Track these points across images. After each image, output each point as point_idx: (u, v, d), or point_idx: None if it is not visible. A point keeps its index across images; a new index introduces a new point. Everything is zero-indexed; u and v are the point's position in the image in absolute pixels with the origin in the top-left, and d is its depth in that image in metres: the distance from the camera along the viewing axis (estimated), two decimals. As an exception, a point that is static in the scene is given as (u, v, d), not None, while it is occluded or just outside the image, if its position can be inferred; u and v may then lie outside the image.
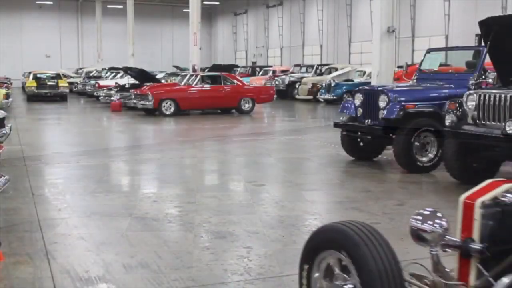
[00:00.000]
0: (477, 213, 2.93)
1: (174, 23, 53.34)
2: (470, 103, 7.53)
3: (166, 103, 19.57)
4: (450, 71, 10.48)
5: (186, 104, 19.82)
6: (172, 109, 19.60)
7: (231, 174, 9.37)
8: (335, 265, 3.01)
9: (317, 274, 3.11)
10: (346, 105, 10.09)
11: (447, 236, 3.01)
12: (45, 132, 15.88)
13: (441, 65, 11.31)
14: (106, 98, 24.46)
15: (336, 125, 10.23)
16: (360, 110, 9.69)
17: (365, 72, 25.00)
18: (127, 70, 24.43)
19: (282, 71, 33.69)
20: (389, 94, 9.13)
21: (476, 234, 2.95)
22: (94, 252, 4.96)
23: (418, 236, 3.01)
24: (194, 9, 25.84)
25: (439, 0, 28.89)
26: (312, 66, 31.29)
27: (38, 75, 29.35)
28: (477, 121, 7.45)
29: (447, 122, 7.75)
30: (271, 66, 37.70)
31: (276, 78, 30.95)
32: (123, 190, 8.05)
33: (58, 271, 4.47)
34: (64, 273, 4.43)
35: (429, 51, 10.78)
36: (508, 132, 6.83)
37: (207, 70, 25.81)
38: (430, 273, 3.10)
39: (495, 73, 8.39)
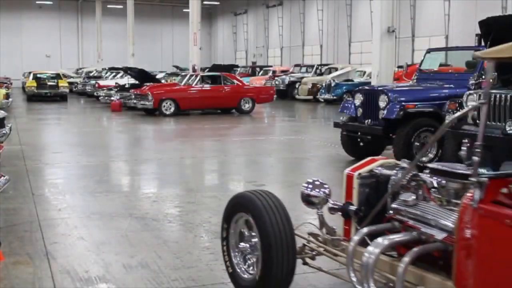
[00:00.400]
0: (355, 182, 3.75)
1: (174, 23, 53.36)
2: (470, 103, 7.54)
3: (166, 103, 19.58)
4: (450, 71, 10.49)
5: (186, 104, 19.82)
6: (172, 109, 19.61)
7: (231, 174, 9.37)
8: (245, 224, 3.82)
9: (233, 231, 3.92)
10: (346, 105, 10.10)
11: (330, 201, 3.83)
12: (45, 132, 15.88)
13: (441, 65, 11.31)
14: (106, 98, 24.47)
15: (336, 125, 10.24)
16: (360, 110, 9.70)
17: (365, 72, 25.01)
18: (127, 70, 24.43)
19: (282, 71, 33.70)
20: (389, 94, 9.14)
21: (354, 199, 3.76)
22: (94, 252, 4.95)
23: (307, 200, 3.87)
24: (194, 9, 25.86)
25: (439, 0, 28.90)
26: (312, 66, 31.31)
27: (38, 75, 29.35)
28: (477, 121, 7.46)
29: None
30: (271, 66, 37.72)
31: (276, 78, 30.97)
32: (123, 190, 8.05)
33: (58, 271, 4.47)
34: (64, 273, 4.43)
35: (429, 51, 10.79)
36: (508, 132, 6.83)
37: (207, 70, 25.82)
38: (320, 231, 3.87)
39: (495, 73, 8.39)
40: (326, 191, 3.84)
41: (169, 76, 29.52)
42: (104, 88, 25.96)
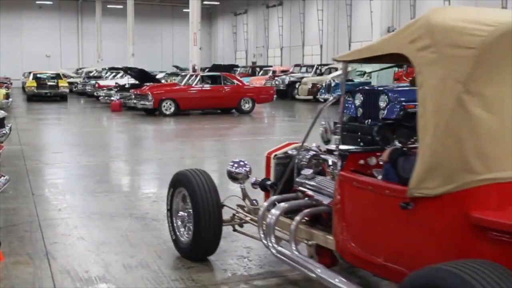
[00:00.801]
0: (272, 162, 4.58)
1: (174, 23, 53.36)
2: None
3: (166, 103, 19.58)
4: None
5: (186, 104, 19.82)
6: (172, 109, 19.61)
7: (231, 174, 9.36)
8: (183, 197, 4.71)
9: (175, 202, 4.85)
10: (346, 105, 10.10)
11: (251, 177, 4.68)
12: (45, 132, 15.88)
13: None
14: (106, 98, 24.47)
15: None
16: (360, 110, 9.70)
17: (365, 72, 25.01)
18: (127, 70, 24.44)
19: (282, 71, 33.70)
20: (389, 94, 9.15)
21: (272, 175, 4.57)
22: (94, 252, 4.96)
23: (231, 176, 4.75)
24: (194, 9, 25.86)
25: (439, 0, 28.91)
26: (312, 66, 31.30)
27: (38, 75, 29.35)
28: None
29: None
30: (271, 66, 37.72)
31: (276, 78, 30.96)
32: (123, 190, 8.05)
33: (58, 271, 4.47)
34: (64, 273, 4.43)
35: (429, 51, 10.78)
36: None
37: (207, 70, 25.83)
38: (244, 202, 4.67)
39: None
40: (247, 169, 4.73)
41: (169, 76, 29.52)
42: (104, 88, 25.96)
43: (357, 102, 9.76)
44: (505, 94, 2.68)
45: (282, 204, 4.00)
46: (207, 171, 4.88)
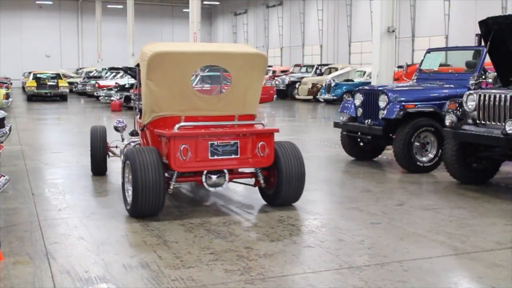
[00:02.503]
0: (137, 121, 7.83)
1: (174, 23, 53.40)
2: (470, 103, 7.53)
3: (166, 103, 19.53)
4: (450, 71, 10.47)
5: (186, 104, 19.77)
6: (172, 109, 19.56)
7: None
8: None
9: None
10: (346, 105, 10.09)
11: (127, 129, 8.62)
12: (45, 132, 15.88)
13: (441, 65, 11.30)
14: (106, 98, 24.46)
15: (336, 125, 10.23)
16: (360, 110, 9.69)
17: (365, 72, 25.02)
18: (127, 70, 24.39)
19: (282, 71, 33.71)
20: (389, 94, 9.13)
21: (137, 128, 7.83)
22: (94, 252, 4.95)
23: (115, 128, 8.64)
24: (194, 9, 25.87)
25: (439, 0, 28.91)
26: (312, 66, 31.32)
27: (38, 75, 29.37)
28: (477, 121, 7.45)
29: (447, 122, 7.75)
30: (271, 66, 37.73)
31: (276, 78, 30.98)
32: (123, 190, 8.04)
33: (58, 271, 4.47)
34: (64, 273, 4.43)
35: (429, 51, 10.78)
36: (508, 132, 6.83)
37: (207, 70, 25.77)
38: (122, 143, 8.26)
39: (495, 73, 8.39)
40: (124, 124, 8.51)
41: (169, 76, 29.45)
42: (104, 88, 25.95)
43: (357, 102, 9.74)
44: (163, 78, 6.16)
45: (130, 139, 7.83)
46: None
